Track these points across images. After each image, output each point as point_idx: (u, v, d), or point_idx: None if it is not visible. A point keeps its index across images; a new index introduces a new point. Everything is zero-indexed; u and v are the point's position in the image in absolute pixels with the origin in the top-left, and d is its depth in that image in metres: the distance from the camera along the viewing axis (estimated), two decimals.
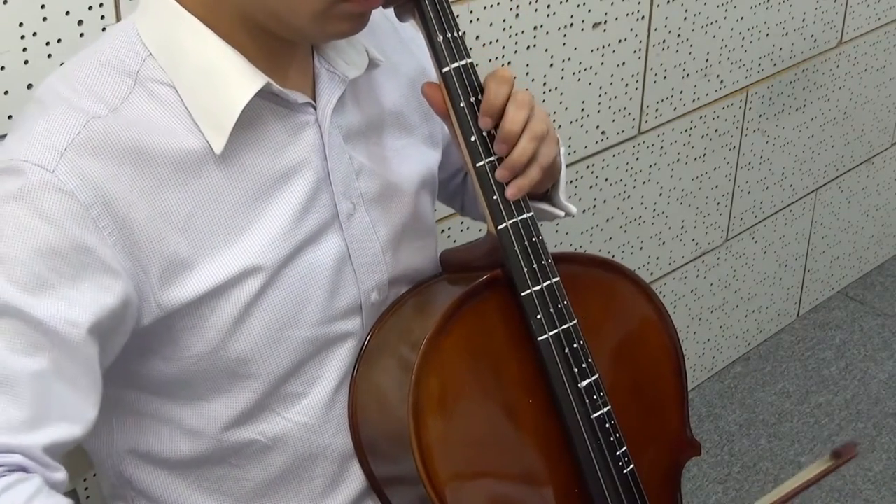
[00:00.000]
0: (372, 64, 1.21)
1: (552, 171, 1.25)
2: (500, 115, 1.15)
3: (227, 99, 1.09)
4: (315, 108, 1.17)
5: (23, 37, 1.35)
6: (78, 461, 1.35)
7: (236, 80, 1.10)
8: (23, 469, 0.99)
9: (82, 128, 1.05)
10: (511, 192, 1.17)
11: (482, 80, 1.17)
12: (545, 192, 1.32)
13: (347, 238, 1.19)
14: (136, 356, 1.13)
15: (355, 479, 1.25)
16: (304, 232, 1.15)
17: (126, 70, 1.09)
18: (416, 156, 1.29)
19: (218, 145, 1.09)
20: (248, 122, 1.11)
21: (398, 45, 1.30)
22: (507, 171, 1.16)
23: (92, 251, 1.03)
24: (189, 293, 1.09)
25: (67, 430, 1.03)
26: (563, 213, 1.32)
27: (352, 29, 1.11)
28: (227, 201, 1.11)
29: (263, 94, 1.11)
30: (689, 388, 1.35)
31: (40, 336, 1.00)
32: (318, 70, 1.18)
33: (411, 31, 1.32)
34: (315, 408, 1.21)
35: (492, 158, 1.17)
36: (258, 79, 1.10)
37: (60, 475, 1.02)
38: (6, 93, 1.36)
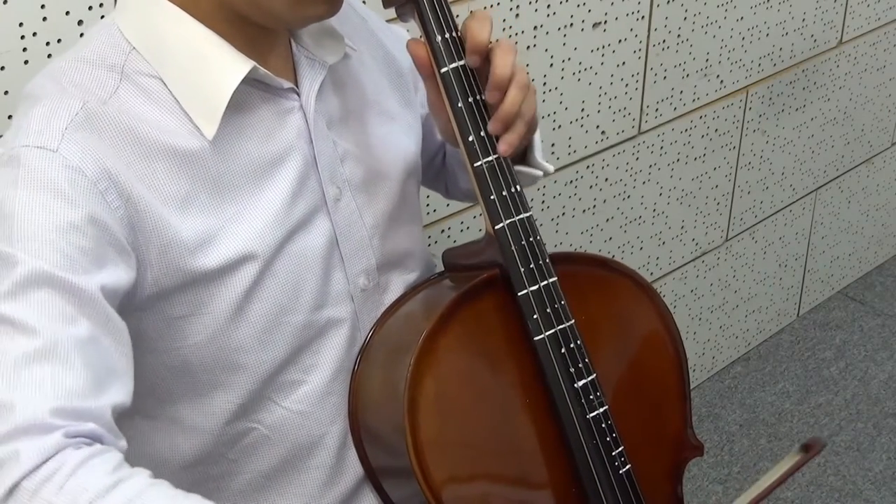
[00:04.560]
0: (346, 54, 1.22)
1: (533, 125, 1.25)
2: (485, 53, 1.15)
3: (215, 84, 1.10)
4: (298, 94, 1.18)
5: (23, 37, 1.36)
6: None
7: (223, 64, 1.11)
8: (97, 440, 0.96)
9: (80, 109, 1.06)
10: (503, 149, 1.17)
11: (461, 25, 1.17)
12: (522, 153, 1.31)
13: (334, 223, 1.20)
14: (137, 355, 1.13)
15: (353, 469, 1.25)
16: (295, 217, 1.16)
17: (111, 65, 1.10)
18: (400, 143, 1.30)
19: (210, 131, 1.10)
20: (238, 107, 1.12)
21: (369, 36, 1.31)
22: (499, 123, 1.16)
23: (106, 226, 1.04)
24: (186, 277, 1.10)
25: (123, 392, 1.01)
26: (541, 173, 1.32)
27: (327, 12, 1.12)
28: (221, 187, 1.12)
29: (250, 81, 1.13)
30: (690, 388, 1.35)
31: (78, 302, 0.99)
32: (297, 57, 1.19)
33: (380, 22, 1.33)
34: (312, 396, 1.21)
35: (489, 158, 1.17)
36: (244, 63, 1.11)
37: (124, 444, 1.00)
38: (6, 93, 1.36)
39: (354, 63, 1.26)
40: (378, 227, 1.25)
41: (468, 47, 1.15)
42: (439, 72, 1.16)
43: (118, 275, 1.04)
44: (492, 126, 1.17)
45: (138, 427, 1.19)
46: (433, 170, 1.49)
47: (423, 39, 1.18)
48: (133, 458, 1.20)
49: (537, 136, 1.32)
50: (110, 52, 1.11)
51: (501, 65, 1.15)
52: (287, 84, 1.16)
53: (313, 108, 1.18)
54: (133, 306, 1.09)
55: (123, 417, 1.18)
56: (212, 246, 1.11)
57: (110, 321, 1.02)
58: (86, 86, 1.08)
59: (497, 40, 1.17)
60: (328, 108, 1.22)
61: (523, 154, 1.31)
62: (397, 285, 1.29)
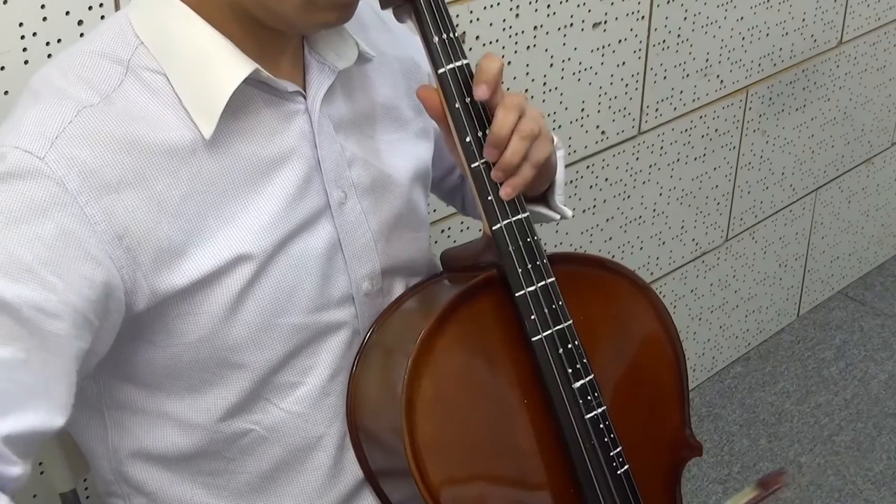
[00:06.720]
0: (362, 58, 1.22)
1: (547, 170, 1.25)
2: (494, 86, 1.14)
3: (216, 84, 1.10)
4: (305, 98, 1.18)
5: (23, 37, 1.36)
6: (78, 461, 1.35)
7: (225, 65, 1.11)
8: None
9: (74, 116, 1.06)
10: (505, 192, 1.17)
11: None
12: (542, 194, 1.32)
13: (338, 226, 1.20)
14: (129, 345, 1.13)
15: (352, 471, 1.25)
16: (295, 219, 1.16)
17: (117, 59, 1.10)
18: (410, 149, 1.30)
19: (207, 131, 1.10)
20: (239, 109, 1.13)
21: (389, 39, 1.31)
22: (500, 171, 1.16)
23: (76, 239, 1.04)
24: (182, 280, 1.10)
25: (33, 419, 1.02)
26: (558, 217, 1.32)
27: (338, 19, 1.12)
28: (218, 188, 1.12)
29: (253, 83, 1.13)
30: (689, 388, 1.35)
31: (12, 323, 1.00)
32: (308, 61, 1.19)
33: (401, 26, 1.33)
34: (309, 398, 1.21)
35: (486, 159, 1.17)
36: (247, 65, 1.11)
37: (17, 469, 1.01)
38: (6, 93, 1.36)
39: (371, 67, 1.26)
40: (383, 232, 1.25)
41: (476, 79, 1.14)
42: (436, 73, 1.16)
43: (83, 291, 1.04)
44: (493, 174, 1.16)
45: (127, 421, 1.20)
46: (449, 184, 1.49)
47: (420, 39, 1.18)
48: (127, 452, 1.21)
49: (560, 178, 1.31)
50: (118, 46, 1.11)
51: (500, 123, 1.14)
52: (292, 87, 1.16)
53: (318, 112, 1.18)
54: (130, 311, 1.10)
55: (116, 410, 1.19)
56: (207, 249, 1.11)
57: (49, 347, 1.02)
58: (90, 80, 1.09)
59: (506, 94, 1.16)
60: (337, 112, 1.21)
61: (543, 194, 1.31)
62: (401, 290, 1.28)
